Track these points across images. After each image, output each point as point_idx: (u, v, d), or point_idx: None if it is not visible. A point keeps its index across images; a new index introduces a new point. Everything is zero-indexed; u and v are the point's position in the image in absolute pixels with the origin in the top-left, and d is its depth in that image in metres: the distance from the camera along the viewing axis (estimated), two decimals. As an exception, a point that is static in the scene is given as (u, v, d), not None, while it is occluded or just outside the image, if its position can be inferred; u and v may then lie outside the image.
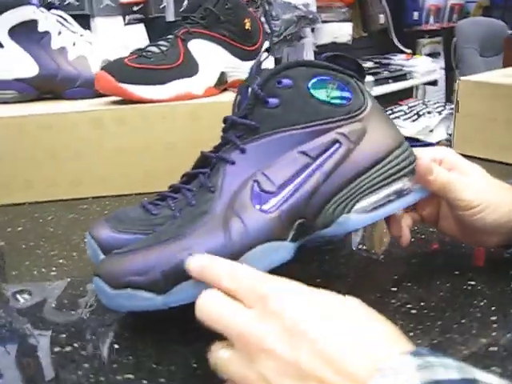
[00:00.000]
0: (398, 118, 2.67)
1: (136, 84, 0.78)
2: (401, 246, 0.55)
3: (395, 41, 2.83)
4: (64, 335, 0.47)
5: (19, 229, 0.71)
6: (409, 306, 0.50)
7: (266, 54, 0.52)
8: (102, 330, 0.48)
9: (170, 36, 0.84)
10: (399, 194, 0.50)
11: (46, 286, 0.57)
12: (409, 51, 2.87)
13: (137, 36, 1.74)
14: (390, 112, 2.71)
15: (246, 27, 0.87)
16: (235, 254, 0.43)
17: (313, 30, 2.32)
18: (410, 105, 2.70)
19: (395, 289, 0.53)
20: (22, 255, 0.64)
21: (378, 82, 2.58)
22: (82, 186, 0.80)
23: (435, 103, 2.73)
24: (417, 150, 0.53)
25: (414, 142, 2.53)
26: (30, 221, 0.73)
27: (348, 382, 0.30)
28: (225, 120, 0.51)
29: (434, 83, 2.97)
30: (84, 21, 1.58)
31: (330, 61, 0.52)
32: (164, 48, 0.82)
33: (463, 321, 0.48)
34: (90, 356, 0.45)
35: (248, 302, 0.36)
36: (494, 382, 0.28)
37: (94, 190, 0.80)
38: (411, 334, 0.46)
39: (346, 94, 0.49)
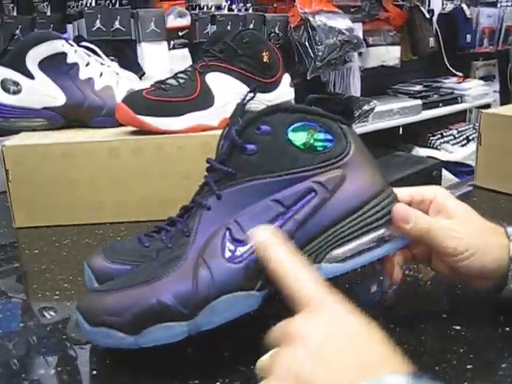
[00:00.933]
0: (448, 142, 2.62)
1: (153, 116, 0.82)
2: (391, 282, 0.55)
3: (447, 64, 2.78)
4: (51, 358, 0.50)
5: (35, 251, 0.75)
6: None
7: (251, 95, 0.53)
8: (94, 359, 0.51)
9: (188, 69, 0.87)
10: (379, 241, 0.49)
11: (45, 310, 0.60)
12: (460, 74, 2.82)
13: (181, 60, 1.80)
14: (439, 136, 2.66)
15: (264, 60, 0.89)
16: (200, 302, 0.45)
17: (360, 53, 2.32)
18: (460, 129, 2.64)
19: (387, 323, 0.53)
20: (32, 278, 0.68)
21: (426, 106, 2.54)
22: (99, 211, 0.84)
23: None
24: (400, 191, 0.53)
25: (462, 166, 2.47)
26: (47, 244, 0.77)
27: None
28: (207, 162, 0.52)
29: (487, 107, 2.90)
30: (130, 47, 1.66)
31: (316, 103, 0.53)
32: (182, 81, 0.85)
33: (437, 367, 0.47)
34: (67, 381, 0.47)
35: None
36: None
37: (111, 215, 0.84)
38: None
39: (328, 139, 0.48)
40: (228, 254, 0.46)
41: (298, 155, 0.48)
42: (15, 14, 1.47)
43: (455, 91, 2.71)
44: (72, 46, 0.89)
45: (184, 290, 0.45)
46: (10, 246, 0.80)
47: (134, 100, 0.82)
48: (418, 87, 2.66)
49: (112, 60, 0.96)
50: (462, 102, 2.71)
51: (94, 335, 0.47)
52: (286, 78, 0.94)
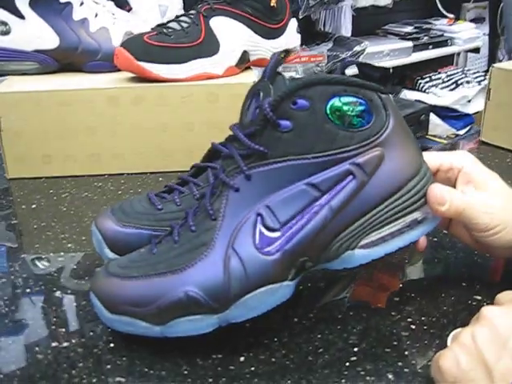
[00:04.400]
0: (436, 86, 2.58)
1: (154, 62, 0.77)
2: (417, 250, 0.53)
3: (438, 4, 2.71)
4: (63, 330, 0.48)
5: (33, 206, 0.72)
6: (409, 319, 0.49)
7: (284, 53, 0.48)
8: (99, 328, 0.49)
9: (191, 12, 0.82)
10: (412, 223, 0.46)
11: (51, 273, 0.57)
12: (451, 16, 2.75)
13: (173, 6, 1.71)
14: (427, 79, 2.62)
15: (272, 4, 0.84)
16: (233, 297, 0.42)
17: (352, -7, 2.24)
18: (448, 73, 2.60)
19: (397, 299, 0.52)
20: (33, 236, 0.64)
21: (417, 48, 2.49)
22: (98, 162, 0.80)
23: (475, 73, 2.63)
24: (428, 157, 0.50)
25: (451, 111, 2.45)
26: (45, 198, 0.74)
27: None
28: (230, 127, 0.47)
29: (476, 50, 2.85)
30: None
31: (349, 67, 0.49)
32: (185, 25, 0.80)
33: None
34: (85, 354, 0.45)
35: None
36: None
37: (110, 167, 0.80)
38: (406, 352, 0.45)
39: (367, 115, 0.43)
40: (260, 244, 0.42)
41: (336, 134, 0.43)
42: None
43: (445, 33, 2.65)
44: (65, -18, 0.82)
45: (214, 283, 0.42)
46: (4, 198, 0.76)
47: (135, 45, 0.77)
48: (409, 28, 2.59)
49: (107, -1, 0.89)
50: (451, 45, 2.65)
51: (114, 323, 0.44)
52: (293, 23, 0.90)
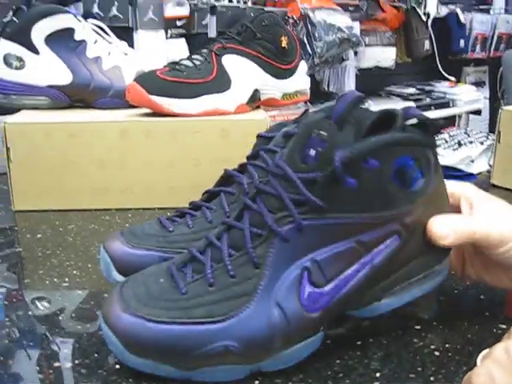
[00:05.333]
0: (439, 146, 2.61)
1: (166, 96, 0.77)
2: None
3: (440, 68, 2.77)
4: (66, 350, 0.46)
5: (38, 236, 0.70)
6: (432, 346, 0.47)
7: (370, 102, 0.45)
8: (104, 348, 0.46)
9: (204, 50, 0.83)
10: (431, 275, 0.47)
11: (55, 297, 0.55)
12: (453, 79, 2.81)
13: (178, 50, 1.75)
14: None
15: (283, 45, 0.85)
16: (272, 352, 0.40)
17: (356, 53, 2.29)
18: (451, 133, 2.62)
19: (419, 327, 0.50)
20: (37, 263, 0.62)
21: (419, 109, 2.52)
22: (105, 196, 0.79)
23: (477, 133, 2.65)
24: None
25: (455, 171, 2.47)
26: (51, 229, 0.72)
27: None
28: (278, 163, 0.42)
29: (477, 113, 2.90)
30: (127, 34, 1.61)
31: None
32: (198, 62, 0.81)
33: (491, 367, 0.44)
34: (89, 374, 0.43)
35: None
36: None
37: (118, 201, 0.79)
38: (432, 378, 0.43)
39: (421, 173, 0.43)
40: (306, 301, 0.41)
41: (395, 194, 0.42)
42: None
43: (447, 95, 2.70)
44: (80, 21, 0.84)
45: (256, 338, 0.40)
46: (9, 229, 0.74)
47: (148, 80, 0.78)
48: (411, 90, 2.65)
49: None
50: (453, 106, 2.70)
51: (135, 364, 0.40)
52: (303, 66, 0.91)
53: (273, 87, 0.86)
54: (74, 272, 0.60)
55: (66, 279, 0.59)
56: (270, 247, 0.40)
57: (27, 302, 0.54)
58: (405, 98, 2.58)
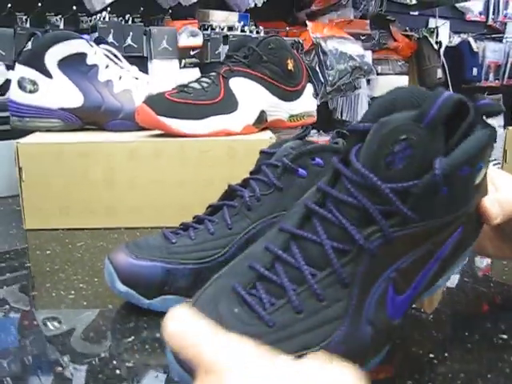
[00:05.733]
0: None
1: (174, 118, 0.79)
2: None
3: (453, 96, 2.78)
4: (66, 358, 0.46)
5: (48, 252, 0.71)
6: (431, 355, 0.47)
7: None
8: (106, 356, 0.47)
9: (212, 73, 0.85)
10: None
11: (60, 308, 0.56)
12: (467, 107, 2.82)
13: (192, 79, 1.79)
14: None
15: (289, 68, 0.87)
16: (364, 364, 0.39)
17: (368, 81, 2.32)
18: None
19: (418, 335, 0.50)
20: (45, 277, 0.64)
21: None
22: (115, 215, 0.80)
23: (492, 161, 2.65)
24: None
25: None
26: (60, 246, 0.74)
27: None
28: (358, 169, 0.38)
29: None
30: (142, 63, 1.65)
31: None
32: (205, 84, 0.83)
33: (489, 375, 0.44)
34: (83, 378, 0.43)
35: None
36: None
37: (127, 220, 0.81)
38: (429, 384, 0.43)
39: (482, 165, 0.41)
40: (392, 311, 0.39)
41: (472, 191, 0.41)
42: (28, 25, 1.46)
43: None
44: (92, 46, 0.87)
45: (349, 359, 0.35)
46: (20, 248, 0.76)
47: (156, 101, 0.80)
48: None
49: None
50: (467, 135, 2.70)
51: None
52: (309, 88, 0.93)
53: (279, 109, 0.88)
54: (81, 285, 0.61)
55: (72, 292, 0.60)
56: (359, 264, 0.37)
57: (33, 312, 0.56)
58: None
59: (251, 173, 0.60)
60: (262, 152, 0.61)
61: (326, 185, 0.41)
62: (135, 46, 1.63)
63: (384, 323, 0.39)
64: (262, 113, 0.86)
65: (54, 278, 0.63)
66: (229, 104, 0.83)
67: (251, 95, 0.84)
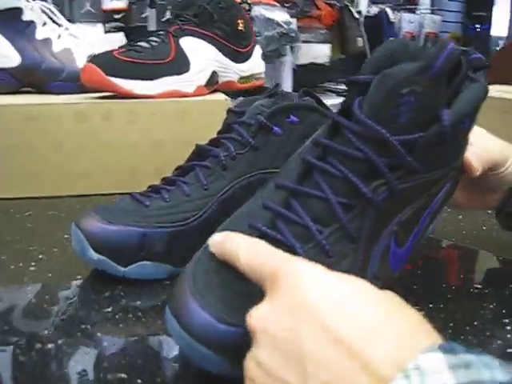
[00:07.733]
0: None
1: (125, 78, 0.75)
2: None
3: (372, 65, 2.85)
4: (46, 331, 0.43)
5: (-6, 223, 0.66)
6: (417, 307, 0.47)
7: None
8: (88, 328, 0.44)
9: (161, 32, 0.81)
10: None
11: (23, 281, 0.52)
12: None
13: (116, 44, 1.71)
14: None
15: (239, 28, 0.85)
16: None
17: (292, 49, 2.32)
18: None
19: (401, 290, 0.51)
20: (-1, 249, 0.59)
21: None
22: (63, 182, 0.76)
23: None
24: None
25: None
26: (7, 216, 0.68)
27: (363, 375, 0.26)
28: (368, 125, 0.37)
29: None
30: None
31: None
32: (155, 43, 0.79)
33: (475, 323, 0.46)
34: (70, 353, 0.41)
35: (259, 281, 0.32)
36: None
37: (76, 187, 0.76)
38: None
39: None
40: (393, 263, 0.39)
41: (464, 147, 0.42)
42: None
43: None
44: (28, 1, 0.80)
45: None
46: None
47: (104, 60, 0.75)
48: (344, 86, 2.71)
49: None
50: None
51: None
52: (258, 50, 0.91)
53: (230, 70, 0.86)
54: (40, 256, 0.57)
55: (33, 263, 0.56)
56: (366, 219, 0.36)
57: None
58: (339, 93, 2.63)
59: (220, 132, 0.58)
60: (230, 111, 0.59)
61: (324, 138, 0.40)
62: (57, 7, 1.53)
63: (388, 277, 0.39)
64: (214, 74, 0.83)
65: (8, 250, 0.59)
66: (181, 64, 0.79)
67: (203, 55, 0.81)
